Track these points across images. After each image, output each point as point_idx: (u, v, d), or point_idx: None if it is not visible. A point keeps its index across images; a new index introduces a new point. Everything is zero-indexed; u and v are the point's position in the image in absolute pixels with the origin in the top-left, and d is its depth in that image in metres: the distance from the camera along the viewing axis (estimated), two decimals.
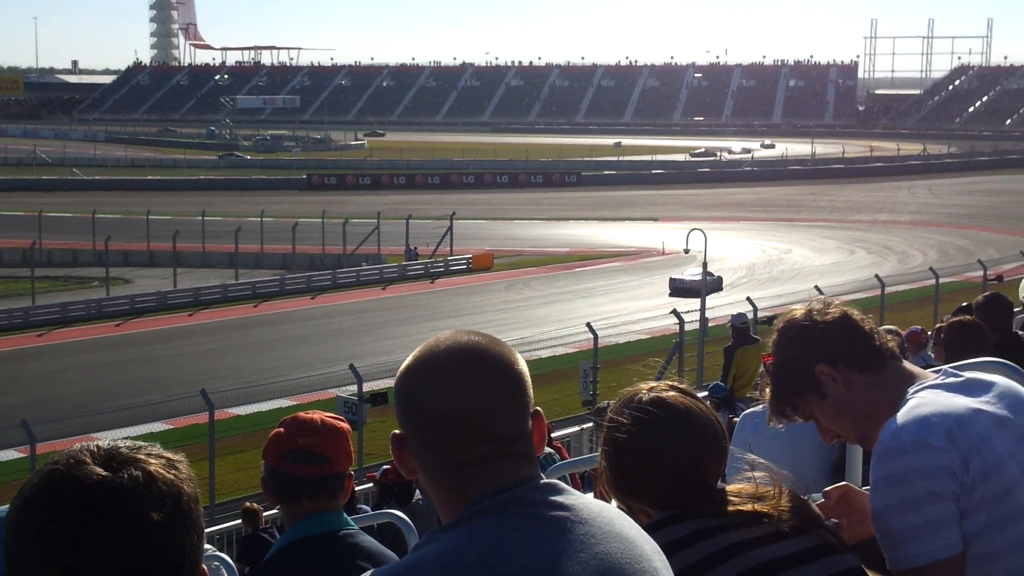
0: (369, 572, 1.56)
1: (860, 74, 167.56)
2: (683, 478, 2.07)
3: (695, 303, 27.25)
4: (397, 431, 1.65)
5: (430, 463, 1.60)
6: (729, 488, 2.12)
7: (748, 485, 2.12)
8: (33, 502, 1.29)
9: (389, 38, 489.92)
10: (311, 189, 76.60)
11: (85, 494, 1.28)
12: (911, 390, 2.20)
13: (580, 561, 1.50)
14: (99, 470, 1.30)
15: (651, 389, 2.19)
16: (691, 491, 2.07)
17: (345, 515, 2.87)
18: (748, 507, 2.06)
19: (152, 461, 1.33)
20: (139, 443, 1.36)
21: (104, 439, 1.36)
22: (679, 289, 37.63)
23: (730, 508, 2.06)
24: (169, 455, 1.36)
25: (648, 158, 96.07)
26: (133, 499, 1.29)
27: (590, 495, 1.70)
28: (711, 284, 32.82)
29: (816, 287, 23.98)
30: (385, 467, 11.72)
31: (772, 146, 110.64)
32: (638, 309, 35.11)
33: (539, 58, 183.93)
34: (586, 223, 59.15)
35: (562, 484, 1.61)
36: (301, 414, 2.90)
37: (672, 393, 2.18)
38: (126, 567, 1.28)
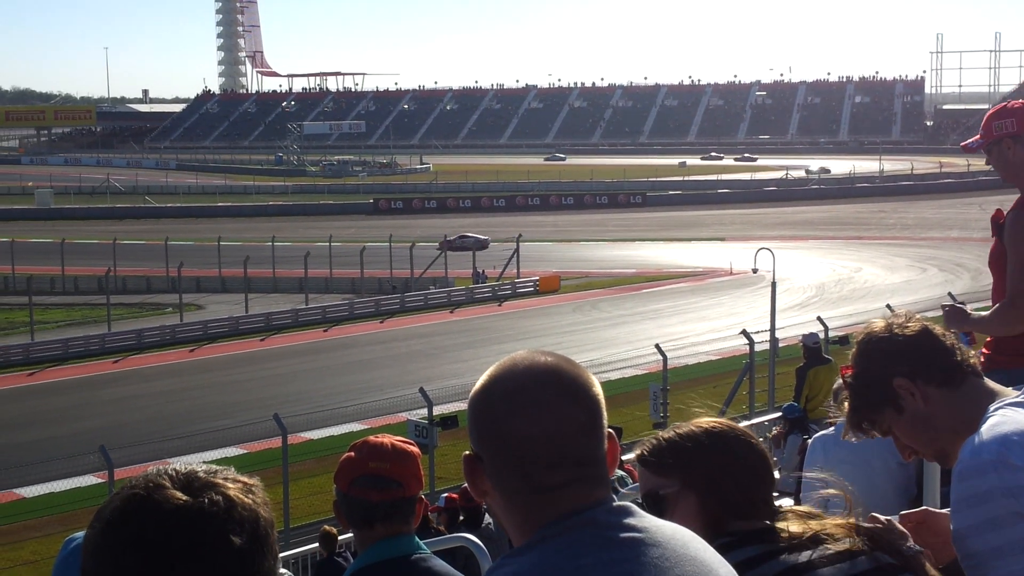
0: None
1: (927, 89, 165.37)
2: (727, 501, 2.09)
3: (763, 323, 27.03)
4: (469, 452, 1.63)
5: (506, 485, 1.58)
6: (786, 509, 2.12)
7: (805, 506, 2.13)
8: (114, 526, 1.28)
9: (453, 62, 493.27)
10: (378, 213, 77.21)
11: (166, 518, 1.27)
12: (992, 407, 2.17)
13: None
14: (179, 494, 1.29)
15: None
16: (737, 513, 2.08)
17: (417, 539, 2.87)
18: (805, 528, 2.05)
19: (230, 485, 1.33)
20: (215, 467, 1.36)
21: (179, 463, 1.36)
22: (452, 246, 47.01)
23: (785, 529, 2.06)
24: (246, 479, 1.36)
25: (714, 177, 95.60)
26: (214, 523, 1.28)
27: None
28: (478, 244, 49.10)
29: (888, 305, 23.74)
30: (448, 494, 11.75)
31: (828, 171, 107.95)
32: (707, 330, 34.90)
33: (602, 79, 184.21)
34: (652, 244, 58.97)
35: (635, 507, 1.60)
36: (371, 438, 2.92)
37: (709, 422, 2.20)
38: None
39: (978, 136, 4.13)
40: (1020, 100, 4.14)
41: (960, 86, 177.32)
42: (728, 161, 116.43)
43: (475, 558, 4.63)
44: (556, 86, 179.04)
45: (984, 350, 4.08)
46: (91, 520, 1.32)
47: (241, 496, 1.32)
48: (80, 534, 2.33)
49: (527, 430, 1.56)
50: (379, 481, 2.83)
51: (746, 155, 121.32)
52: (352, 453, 2.88)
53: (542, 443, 1.55)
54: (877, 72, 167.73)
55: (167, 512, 1.27)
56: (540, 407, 1.56)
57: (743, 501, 2.11)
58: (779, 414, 14.83)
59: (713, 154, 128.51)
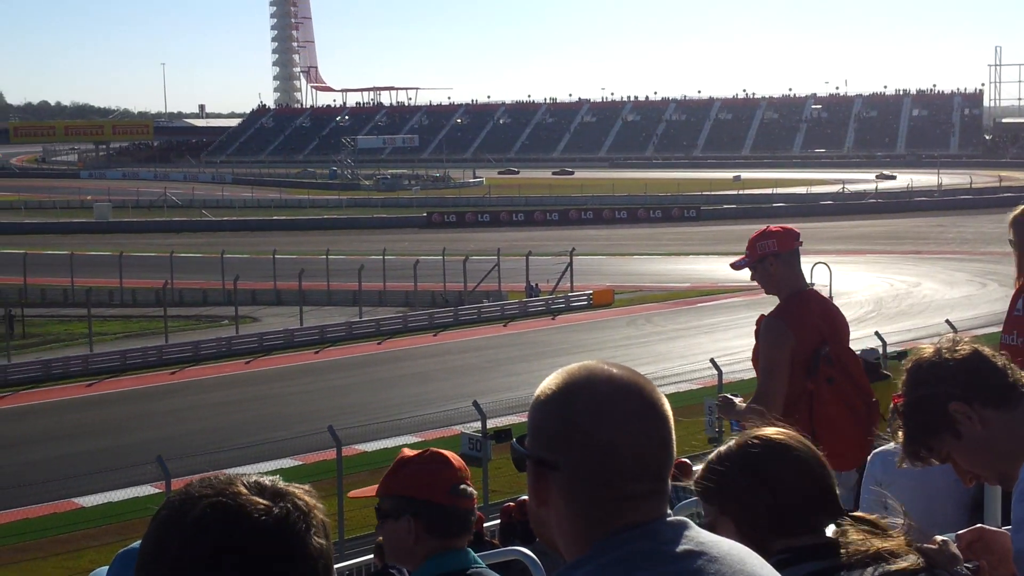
0: None
1: (986, 102, 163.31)
2: (781, 516, 2.06)
3: None
4: (533, 458, 1.61)
5: (579, 495, 1.57)
6: (848, 524, 2.08)
7: (871, 517, 2.09)
8: (200, 533, 1.25)
9: (505, 76, 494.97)
10: (431, 227, 77.46)
11: (256, 525, 1.26)
12: None
13: None
14: (261, 500, 1.28)
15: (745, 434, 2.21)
16: (792, 528, 2.06)
17: (472, 552, 2.85)
18: (868, 545, 2.01)
19: (297, 491, 1.33)
20: (265, 476, 1.35)
21: (225, 473, 1.35)
22: None
23: (846, 544, 2.02)
24: (299, 486, 1.35)
25: (768, 191, 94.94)
26: (298, 527, 1.28)
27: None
28: None
29: (947, 321, 23.41)
30: (506, 506, 11.71)
31: (893, 177, 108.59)
32: None
33: (655, 92, 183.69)
34: (706, 257, 58.58)
35: (691, 522, 1.60)
36: (435, 450, 2.94)
37: (772, 431, 2.18)
38: None
39: (743, 256, 4.91)
40: (778, 225, 5.00)
41: (1020, 99, 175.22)
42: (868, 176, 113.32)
43: (529, 572, 4.59)
44: (609, 100, 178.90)
45: None
46: (155, 529, 1.30)
47: (313, 501, 1.33)
48: (135, 545, 2.29)
49: (618, 439, 1.56)
50: (467, 490, 2.86)
51: (884, 172, 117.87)
52: (435, 463, 2.87)
53: (628, 454, 1.56)
54: (935, 85, 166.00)
55: (255, 519, 1.26)
56: (628, 418, 1.57)
57: (792, 517, 2.07)
58: None
59: (884, 172, 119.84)
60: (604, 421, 1.56)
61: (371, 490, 3.03)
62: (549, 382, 1.64)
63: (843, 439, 4.67)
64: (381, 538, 2.99)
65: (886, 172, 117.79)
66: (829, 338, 4.92)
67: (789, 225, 5.12)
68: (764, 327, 4.88)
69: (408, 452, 2.96)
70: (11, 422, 29.44)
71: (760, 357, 4.86)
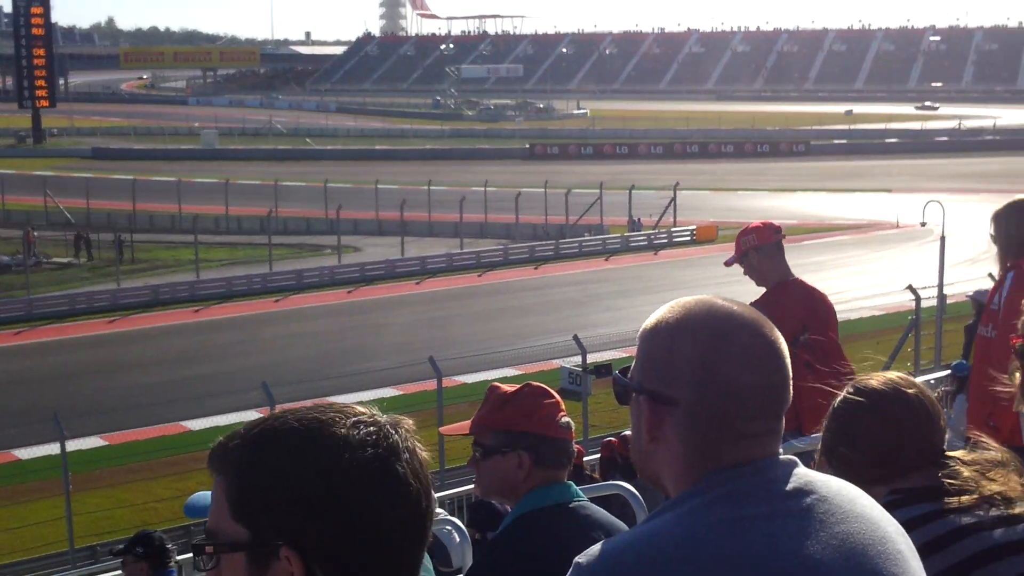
0: (607, 539, 1.51)
1: None
2: (886, 456, 2.07)
3: (931, 278, 25.98)
4: (648, 392, 1.57)
5: (697, 432, 1.53)
6: (957, 467, 2.04)
7: (974, 466, 2.04)
8: (382, 458, 1.34)
9: (613, 4, 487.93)
10: (533, 159, 77.15)
11: (412, 456, 1.38)
12: None
13: (820, 540, 1.46)
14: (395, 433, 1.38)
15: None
16: (897, 470, 2.06)
17: (573, 485, 2.83)
18: (980, 486, 1.98)
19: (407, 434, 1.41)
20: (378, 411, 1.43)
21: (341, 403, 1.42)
22: None
23: (957, 485, 1.99)
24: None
25: (881, 126, 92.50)
26: (417, 457, 1.39)
27: None
28: None
29: None
30: (608, 439, 11.60)
31: (936, 108, 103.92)
32: (870, 284, 33.84)
33: (766, 22, 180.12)
34: (814, 194, 57.48)
35: (799, 462, 1.56)
36: (536, 384, 2.92)
37: (880, 378, 2.22)
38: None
39: (733, 254, 5.31)
40: (759, 221, 5.48)
41: None
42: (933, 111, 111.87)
43: (630, 506, 4.48)
44: (718, 30, 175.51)
45: None
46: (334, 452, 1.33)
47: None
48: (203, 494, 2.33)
49: (742, 377, 1.52)
50: (570, 423, 2.89)
51: (927, 103, 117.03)
52: (540, 396, 2.85)
53: (751, 392, 1.52)
54: None
55: (410, 450, 1.38)
56: (751, 355, 1.53)
57: (897, 459, 2.07)
58: (947, 372, 14.25)
59: (928, 104, 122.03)
60: (729, 358, 1.52)
61: (463, 426, 2.99)
62: (665, 314, 1.59)
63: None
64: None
65: (929, 103, 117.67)
66: (810, 325, 5.17)
67: (770, 220, 5.57)
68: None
69: (503, 387, 2.93)
70: (121, 346, 30.17)
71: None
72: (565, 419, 2.84)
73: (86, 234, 42.71)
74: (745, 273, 5.31)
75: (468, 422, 2.97)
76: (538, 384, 2.91)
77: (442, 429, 3.37)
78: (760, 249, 5.23)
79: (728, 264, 5.41)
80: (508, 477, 2.80)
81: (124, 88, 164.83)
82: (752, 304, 4.84)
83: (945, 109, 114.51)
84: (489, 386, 3.00)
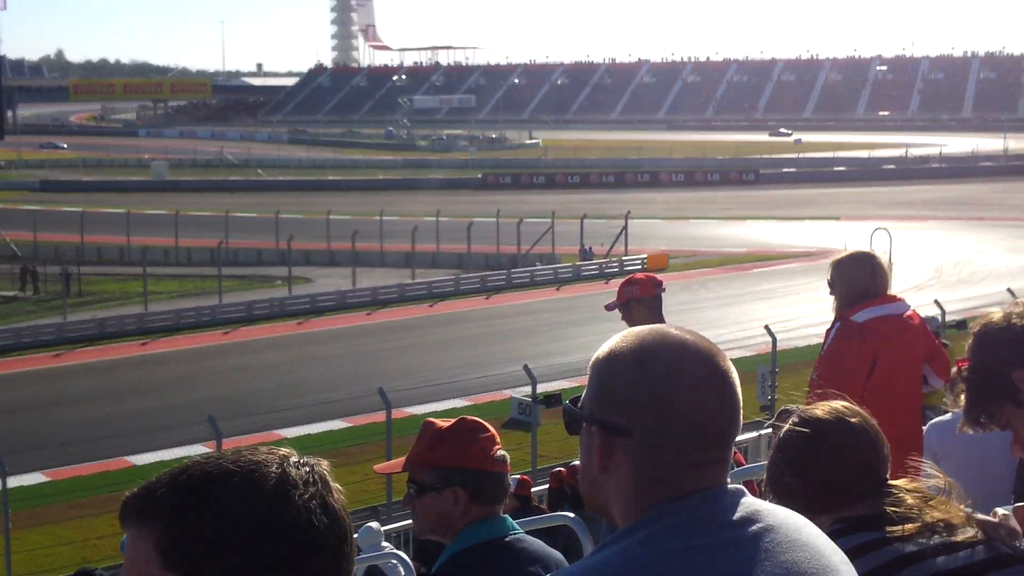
0: (556, 572, 1.52)
1: None
2: (830, 485, 2.08)
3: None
4: (599, 423, 1.56)
5: (649, 461, 1.54)
6: (900, 495, 2.07)
7: (916, 494, 2.07)
8: (293, 489, 1.31)
9: (563, 35, 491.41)
10: (486, 188, 77.25)
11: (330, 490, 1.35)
12: None
13: (766, 570, 1.45)
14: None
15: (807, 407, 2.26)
16: (842, 499, 2.07)
17: (509, 519, 2.82)
18: (924, 514, 2.00)
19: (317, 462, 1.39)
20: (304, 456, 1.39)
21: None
22: None
23: (901, 514, 2.01)
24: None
25: (830, 155, 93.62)
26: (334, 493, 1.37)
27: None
28: None
29: (1009, 289, 22.78)
30: (557, 470, 11.56)
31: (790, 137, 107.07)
32: (819, 311, 34.01)
33: (716, 53, 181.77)
34: (764, 222, 57.95)
35: (746, 491, 1.57)
36: (470, 418, 2.89)
37: (825, 407, 2.22)
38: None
39: (615, 300, 5.61)
40: (643, 273, 5.90)
41: None
42: (845, 139, 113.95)
43: (577, 538, 4.46)
44: (669, 60, 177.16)
45: None
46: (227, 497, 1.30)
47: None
48: None
49: (695, 406, 1.53)
50: (505, 456, 2.89)
51: (781, 130, 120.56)
52: (474, 431, 2.83)
53: (704, 421, 1.53)
54: (1004, 47, 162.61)
55: (339, 488, 1.37)
56: (704, 385, 1.55)
57: (841, 487, 2.08)
58: None
59: (782, 131, 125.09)
60: (682, 388, 1.53)
61: (397, 464, 2.97)
62: (618, 344, 1.60)
63: None
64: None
65: (784, 130, 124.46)
66: None
67: (653, 274, 5.94)
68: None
69: (438, 422, 2.89)
70: (66, 379, 29.74)
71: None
72: (500, 452, 2.84)
73: (32, 267, 42.18)
74: (623, 319, 5.55)
75: (403, 459, 2.94)
76: (472, 418, 2.89)
77: (376, 467, 3.34)
78: (641, 301, 5.55)
79: (608, 308, 5.72)
80: (444, 514, 2.78)
81: (73, 120, 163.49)
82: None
83: (892, 137, 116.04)
84: (423, 422, 2.96)
